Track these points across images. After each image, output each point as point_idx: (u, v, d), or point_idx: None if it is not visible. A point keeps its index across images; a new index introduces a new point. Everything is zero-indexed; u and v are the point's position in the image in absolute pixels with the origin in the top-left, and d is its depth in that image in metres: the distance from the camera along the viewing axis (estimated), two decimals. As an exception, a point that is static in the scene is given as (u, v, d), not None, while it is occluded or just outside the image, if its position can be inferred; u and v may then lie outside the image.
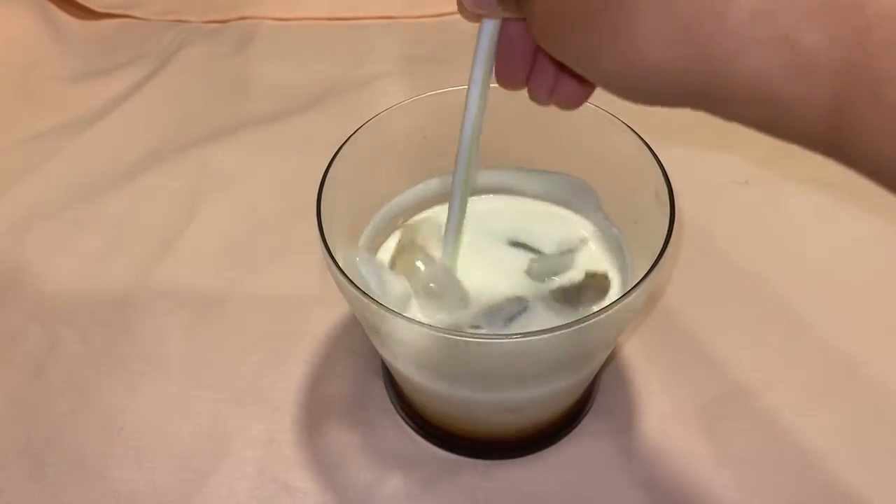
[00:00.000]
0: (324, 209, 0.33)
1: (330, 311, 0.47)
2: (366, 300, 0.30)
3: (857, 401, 0.42)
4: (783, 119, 0.20)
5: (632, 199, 0.37)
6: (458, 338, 0.31)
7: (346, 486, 0.39)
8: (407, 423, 0.41)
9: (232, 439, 0.41)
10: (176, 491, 0.39)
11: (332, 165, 0.35)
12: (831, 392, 0.42)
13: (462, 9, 0.28)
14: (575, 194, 0.41)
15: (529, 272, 0.39)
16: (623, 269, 0.39)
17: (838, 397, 0.42)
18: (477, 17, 0.29)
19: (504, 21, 0.29)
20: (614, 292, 0.38)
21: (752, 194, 0.53)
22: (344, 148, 0.36)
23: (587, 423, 0.41)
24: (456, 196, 0.35)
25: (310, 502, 0.39)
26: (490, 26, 0.29)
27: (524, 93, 0.31)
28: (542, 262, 0.39)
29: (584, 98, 0.30)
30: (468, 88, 0.31)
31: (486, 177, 0.42)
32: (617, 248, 0.40)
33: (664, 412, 0.42)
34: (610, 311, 0.29)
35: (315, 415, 0.42)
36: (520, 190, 0.43)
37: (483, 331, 0.36)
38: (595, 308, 0.36)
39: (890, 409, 0.41)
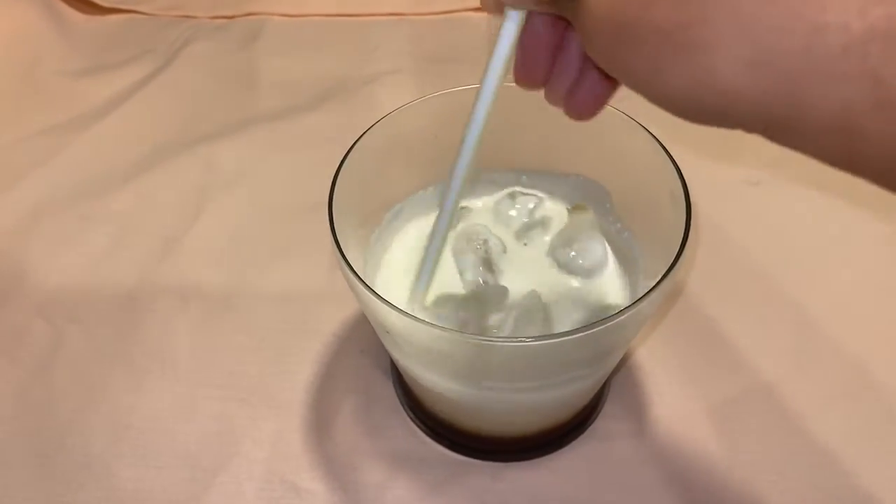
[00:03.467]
0: (335, 208, 0.33)
1: (338, 309, 0.46)
2: (377, 300, 0.30)
3: (869, 401, 0.42)
4: (859, 150, 0.20)
5: (646, 200, 0.36)
6: (471, 340, 0.30)
7: (354, 486, 0.39)
8: (416, 423, 0.41)
9: (239, 439, 0.41)
10: (183, 490, 0.39)
11: (344, 164, 0.35)
12: (844, 393, 0.42)
13: None
14: (588, 196, 0.41)
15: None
16: (633, 271, 0.39)
17: (851, 398, 0.42)
18: (500, 9, 0.26)
19: (529, 14, 0.26)
20: (621, 288, 0.38)
21: (764, 195, 0.53)
22: (355, 146, 0.35)
23: (598, 426, 0.41)
24: (452, 190, 0.32)
25: (318, 503, 0.38)
26: (514, 22, 0.26)
27: (536, 93, 0.30)
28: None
29: (599, 106, 0.28)
30: (480, 88, 0.28)
31: (497, 178, 0.42)
32: (628, 248, 0.39)
33: (675, 414, 0.41)
34: (627, 314, 0.29)
35: (323, 415, 0.42)
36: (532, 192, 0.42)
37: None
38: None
39: (903, 413, 0.41)
